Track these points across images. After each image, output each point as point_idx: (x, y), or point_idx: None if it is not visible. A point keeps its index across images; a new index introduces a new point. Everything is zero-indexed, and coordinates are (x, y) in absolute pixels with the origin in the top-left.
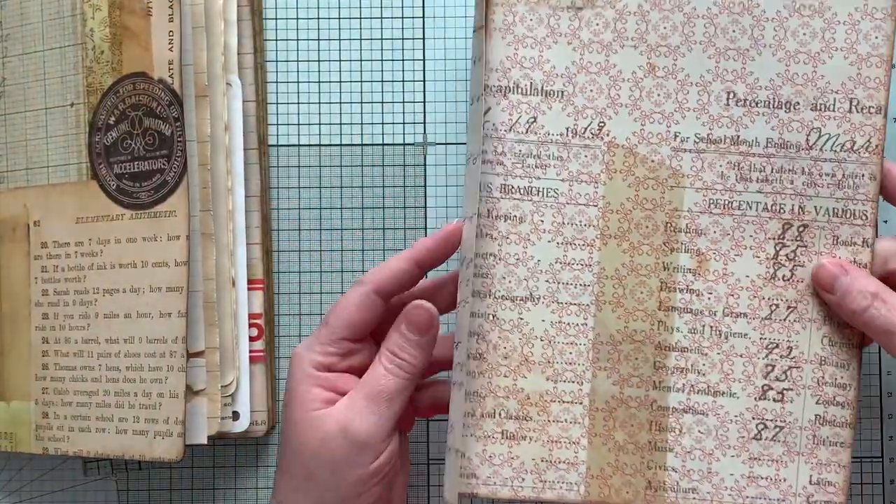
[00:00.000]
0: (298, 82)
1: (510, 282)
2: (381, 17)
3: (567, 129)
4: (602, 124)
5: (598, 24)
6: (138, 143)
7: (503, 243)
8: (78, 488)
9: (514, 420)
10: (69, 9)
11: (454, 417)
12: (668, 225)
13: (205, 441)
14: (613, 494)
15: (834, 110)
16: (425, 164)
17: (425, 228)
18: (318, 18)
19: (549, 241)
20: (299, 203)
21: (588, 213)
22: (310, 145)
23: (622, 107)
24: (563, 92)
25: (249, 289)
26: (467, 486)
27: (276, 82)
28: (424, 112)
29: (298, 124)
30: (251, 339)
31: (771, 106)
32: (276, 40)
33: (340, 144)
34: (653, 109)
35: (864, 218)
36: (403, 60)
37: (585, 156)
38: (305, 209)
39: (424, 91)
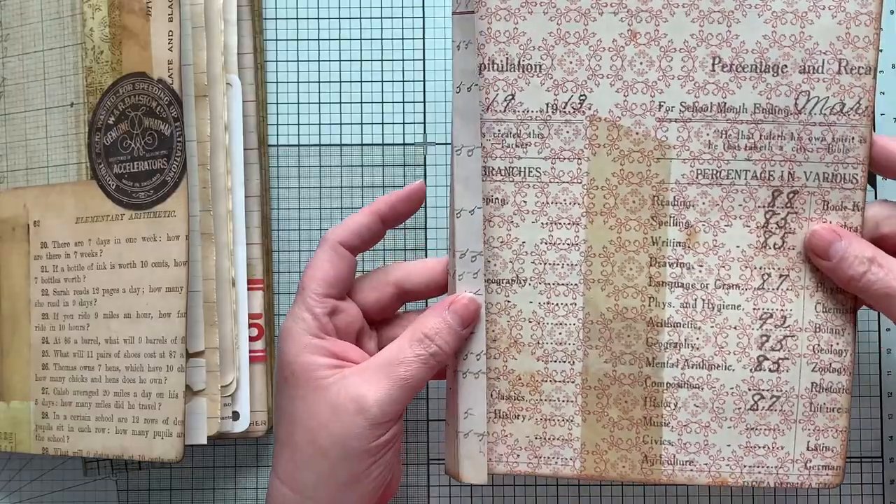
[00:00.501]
0: (298, 82)
1: (495, 265)
2: (381, 17)
3: (547, 104)
4: (583, 97)
5: None
6: (138, 143)
7: (486, 227)
8: (78, 488)
9: (507, 400)
10: (69, 9)
11: (471, 404)
12: (655, 198)
13: (205, 441)
14: (609, 469)
15: (822, 72)
16: (425, 164)
17: (425, 228)
18: (318, 18)
19: (533, 222)
20: (299, 203)
21: (572, 191)
22: (310, 145)
23: (604, 78)
24: (540, 66)
25: (249, 289)
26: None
27: (276, 82)
28: (424, 112)
29: (298, 124)
30: (251, 339)
31: (758, 70)
32: (276, 40)
33: (340, 144)
34: (635, 79)
35: (854, 181)
36: (403, 60)
37: (567, 131)
38: (305, 209)
39: (424, 91)
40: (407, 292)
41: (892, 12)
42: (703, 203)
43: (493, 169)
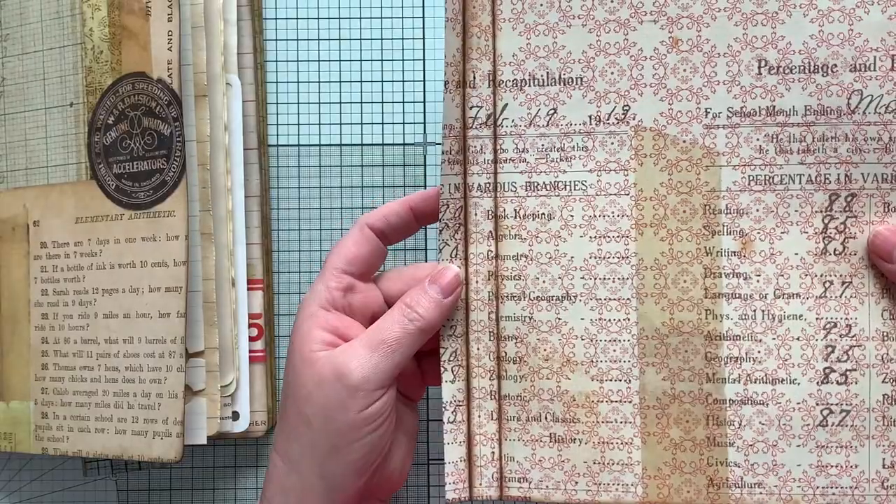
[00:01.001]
0: (298, 82)
1: (544, 282)
2: (381, 17)
3: (590, 116)
4: (626, 108)
5: (612, 2)
6: (137, 143)
7: (533, 243)
8: (78, 488)
9: (562, 423)
10: (68, 9)
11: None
12: (707, 207)
13: (204, 441)
14: (674, 494)
15: (875, 69)
16: (425, 164)
17: (425, 228)
18: (318, 18)
19: (581, 236)
20: (299, 203)
21: (620, 203)
22: (310, 145)
23: (647, 87)
24: (581, 78)
25: (249, 289)
26: (518, 489)
27: (276, 82)
28: (424, 112)
29: (298, 124)
30: (251, 339)
31: (807, 71)
32: (276, 40)
33: (340, 144)
34: (679, 86)
35: None
36: (403, 60)
37: (612, 143)
38: (305, 209)
39: (424, 91)
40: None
41: None
42: (758, 210)
43: (539, 184)
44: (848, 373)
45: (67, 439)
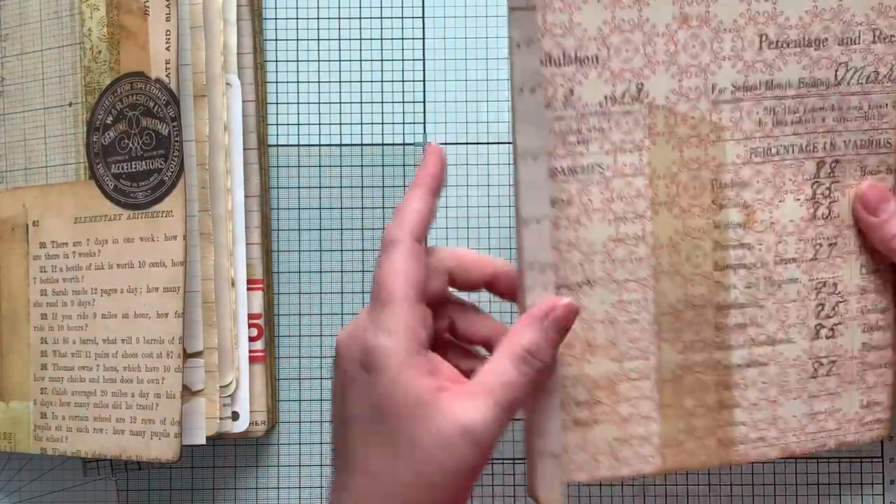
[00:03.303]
0: (298, 82)
1: (565, 270)
2: (381, 17)
3: (605, 97)
4: (640, 86)
5: None
6: (136, 143)
7: (553, 231)
8: (78, 488)
9: (585, 406)
10: (67, 8)
11: (543, 422)
12: (715, 182)
13: (203, 441)
14: (688, 458)
15: (859, 42)
16: None
17: None
18: (318, 18)
19: (600, 221)
20: (299, 203)
21: (636, 184)
22: (310, 145)
23: (659, 64)
24: (597, 57)
25: (249, 289)
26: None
27: (276, 82)
28: (424, 112)
29: (298, 124)
30: (251, 339)
31: (801, 45)
32: (276, 40)
33: (340, 144)
34: (689, 63)
35: (888, 146)
36: (403, 60)
37: (627, 123)
38: (305, 209)
39: (424, 91)
40: (455, 283)
41: None
42: (758, 182)
43: (557, 169)
44: (835, 327)
45: (66, 439)
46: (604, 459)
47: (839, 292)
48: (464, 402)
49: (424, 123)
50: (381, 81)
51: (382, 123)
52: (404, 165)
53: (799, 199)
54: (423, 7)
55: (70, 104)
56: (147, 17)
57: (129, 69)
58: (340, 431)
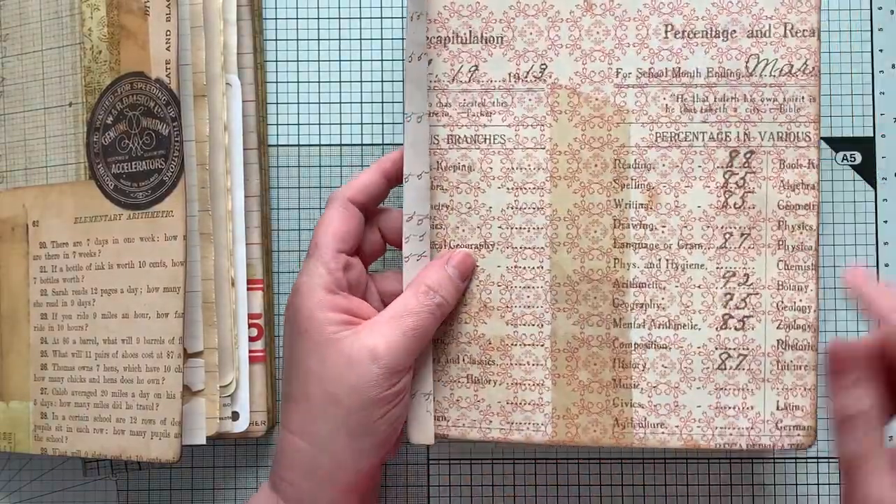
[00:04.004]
0: (298, 82)
1: (464, 231)
2: (381, 17)
3: (509, 74)
4: (544, 66)
5: None
6: (136, 143)
7: (454, 193)
8: (78, 488)
9: (478, 364)
10: (67, 8)
11: (418, 364)
12: (617, 162)
13: (203, 441)
14: (581, 434)
15: (770, 36)
16: None
17: None
18: (318, 18)
19: (499, 188)
20: (299, 203)
21: (536, 157)
22: (310, 145)
23: (563, 48)
24: (502, 37)
25: (249, 289)
26: (437, 427)
27: (276, 82)
28: None
29: (298, 124)
30: (251, 339)
31: (708, 35)
32: (276, 40)
33: (340, 144)
34: (593, 48)
35: (807, 139)
36: (403, 60)
37: (529, 99)
38: (305, 209)
39: None
40: (387, 238)
41: (892, 12)
42: (664, 165)
43: (460, 137)
44: (745, 319)
45: (66, 439)
46: (495, 421)
47: (750, 284)
48: (368, 330)
49: None
50: (381, 81)
51: (382, 123)
52: None
53: (709, 187)
54: None
55: (70, 104)
56: (147, 17)
57: (130, 69)
58: (285, 355)
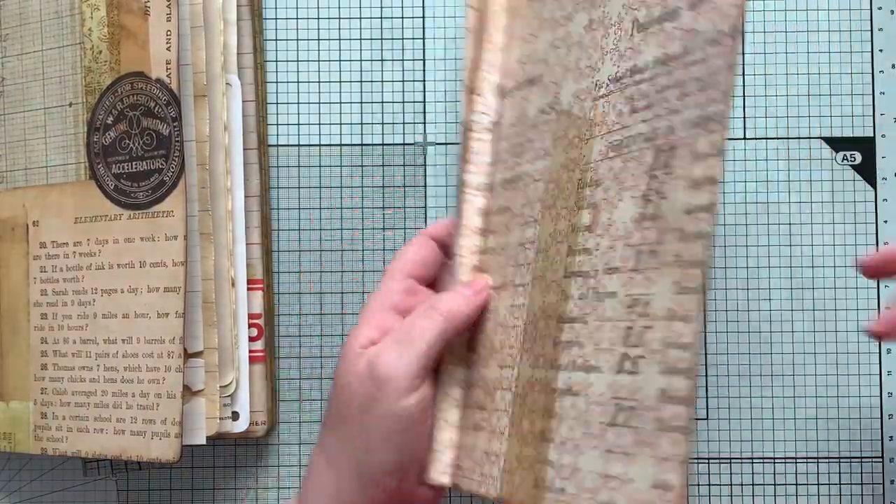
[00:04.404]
0: (298, 82)
1: (497, 273)
2: (381, 17)
3: (539, 109)
4: (557, 95)
5: None
6: (136, 143)
7: (494, 237)
8: (78, 488)
9: (480, 410)
10: (67, 8)
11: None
12: (580, 182)
13: (203, 441)
14: (515, 491)
15: (705, 2)
16: (425, 164)
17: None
18: (318, 18)
19: (519, 225)
20: (299, 203)
21: (538, 189)
22: (310, 145)
23: (570, 71)
24: (541, 76)
25: (249, 289)
26: (453, 476)
27: (276, 82)
28: (424, 112)
29: (298, 124)
30: (251, 339)
31: (661, 21)
32: (276, 40)
33: (340, 144)
34: (586, 65)
35: (719, 120)
36: (403, 60)
37: (544, 130)
38: (305, 209)
39: (424, 91)
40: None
41: (892, 12)
42: (608, 179)
43: (507, 179)
44: (638, 360)
45: (66, 439)
46: (477, 471)
47: (648, 314)
48: (377, 346)
49: (424, 123)
50: (381, 81)
51: (382, 123)
52: (404, 165)
53: (635, 197)
54: (423, 7)
55: (70, 104)
56: (147, 17)
57: (130, 69)
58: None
